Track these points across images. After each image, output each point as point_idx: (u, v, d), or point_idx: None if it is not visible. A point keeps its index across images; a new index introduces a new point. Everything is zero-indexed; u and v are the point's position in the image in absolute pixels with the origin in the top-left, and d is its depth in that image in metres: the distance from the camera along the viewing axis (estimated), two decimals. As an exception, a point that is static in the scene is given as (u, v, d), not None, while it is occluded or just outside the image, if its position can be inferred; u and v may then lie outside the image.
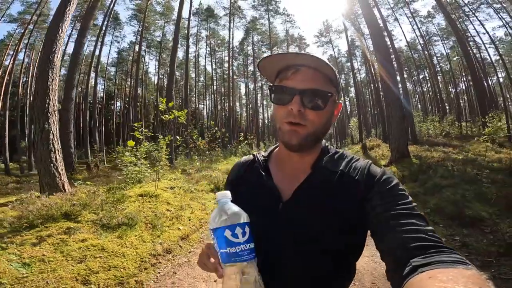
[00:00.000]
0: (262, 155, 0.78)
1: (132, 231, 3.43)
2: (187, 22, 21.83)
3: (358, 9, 23.41)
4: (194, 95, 40.61)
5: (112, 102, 34.77)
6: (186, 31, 22.02)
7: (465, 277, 0.34)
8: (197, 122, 35.27)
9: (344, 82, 39.96)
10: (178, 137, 7.43)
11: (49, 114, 4.47)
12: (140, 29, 27.67)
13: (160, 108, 5.31)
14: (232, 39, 30.24)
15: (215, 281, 2.64)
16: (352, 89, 36.93)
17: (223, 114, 40.35)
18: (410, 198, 0.57)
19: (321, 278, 0.62)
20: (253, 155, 0.80)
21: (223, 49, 36.66)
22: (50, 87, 4.58)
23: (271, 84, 0.67)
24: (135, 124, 4.97)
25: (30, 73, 21.27)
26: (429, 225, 0.51)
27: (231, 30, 29.21)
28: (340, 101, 0.70)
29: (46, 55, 4.82)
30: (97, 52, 18.89)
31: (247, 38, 34.79)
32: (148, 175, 5.57)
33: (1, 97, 22.78)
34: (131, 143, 5.57)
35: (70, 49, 24.07)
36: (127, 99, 32.43)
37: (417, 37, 27.87)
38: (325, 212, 0.61)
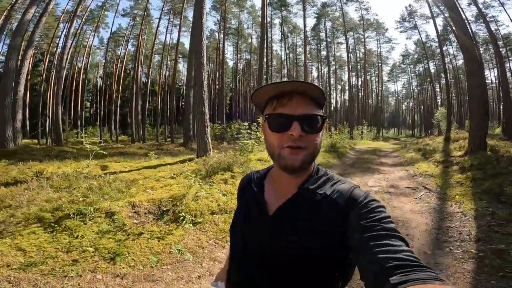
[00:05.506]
0: (260, 173, 0.85)
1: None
2: (260, 11, 23.47)
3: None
4: (267, 79, 42.92)
5: (192, 84, 39.52)
6: (259, 19, 23.72)
7: None
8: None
9: (435, 68, 36.26)
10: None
11: (204, 101, 6.78)
12: (220, 18, 30.67)
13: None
14: (305, 27, 30.88)
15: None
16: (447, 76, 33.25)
17: (295, 97, 41.69)
18: (390, 219, 0.59)
19: None
20: (252, 173, 0.88)
21: (295, 35, 37.54)
22: (204, 81, 6.86)
23: (268, 113, 0.69)
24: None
25: (138, 60, 25.45)
26: (407, 245, 0.53)
27: (305, 18, 29.78)
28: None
29: (198, 58, 6.99)
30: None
31: (319, 24, 34.78)
32: (257, 147, 7.69)
33: (115, 81, 28.30)
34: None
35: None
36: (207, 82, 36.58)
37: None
38: (303, 231, 0.64)
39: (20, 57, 11.25)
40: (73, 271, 2.44)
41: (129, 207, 3.47)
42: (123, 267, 2.63)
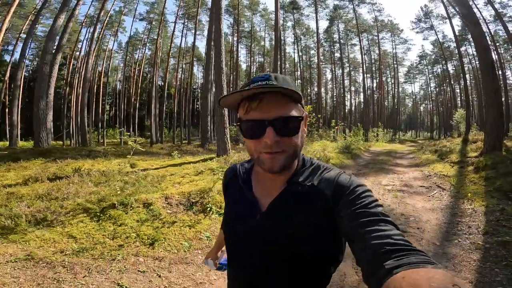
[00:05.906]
0: (245, 167, 0.82)
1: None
2: (272, 15, 23.86)
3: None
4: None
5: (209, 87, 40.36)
6: (271, 22, 24.06)
7: (437, 274, 0.38)
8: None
9: (454, 69, 35.40)
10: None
11: (223, 104, 7.12)
12: (233, 22, 31.35)
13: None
14: (317, 29, 31.05)
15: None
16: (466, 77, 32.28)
17: (308, 99, 41.77)
18: (378, 203, 0.59)
19: (292, 283, 0.66)
20: (237, 167, 0.85)
21: (308, 37, 37.80)
22: (223, 85, 7.30)
23: (239, 120, 0.66)
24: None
25: (156, 64, 26.12)
26: (397, 228, 0.53)
27: (317, 21, 29.98)
28: (305, 111, 0.70)
29: (217, 63, 7.49)
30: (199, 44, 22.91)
31: (331, 26, 34.87)
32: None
33: (133, 85, 29.21)
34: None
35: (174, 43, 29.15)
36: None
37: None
38: (297, 225, 0.64)
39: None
40: (119, 255, 2.80)
41: (162, 199, 3.88)
42: (161, 251, 3.01)
